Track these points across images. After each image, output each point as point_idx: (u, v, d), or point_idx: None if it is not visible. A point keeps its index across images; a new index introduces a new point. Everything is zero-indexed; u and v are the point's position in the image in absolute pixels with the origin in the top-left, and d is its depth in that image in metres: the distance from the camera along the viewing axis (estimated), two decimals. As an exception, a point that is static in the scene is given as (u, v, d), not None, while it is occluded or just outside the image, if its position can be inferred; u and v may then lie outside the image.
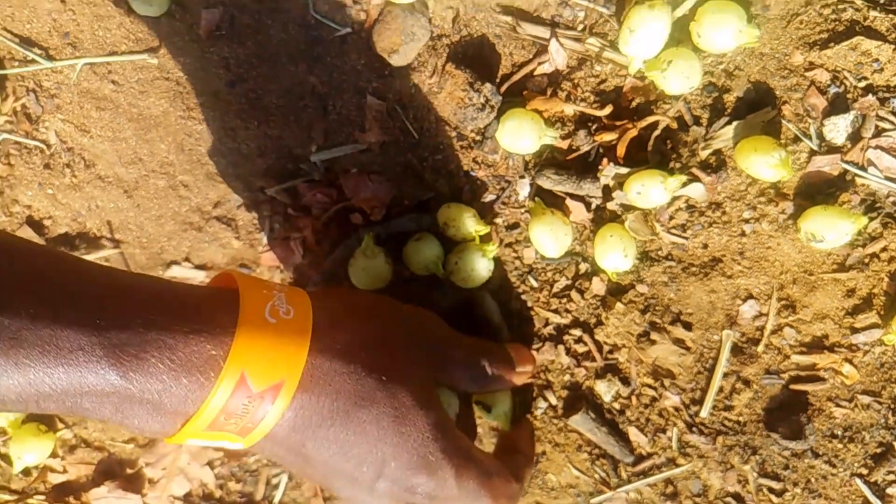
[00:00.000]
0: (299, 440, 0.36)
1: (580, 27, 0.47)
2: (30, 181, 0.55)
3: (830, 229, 0.45)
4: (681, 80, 0.45)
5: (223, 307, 0.35)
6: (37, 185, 0.55)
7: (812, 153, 0.47)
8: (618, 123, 0.47)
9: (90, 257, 0.55)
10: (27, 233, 0.56)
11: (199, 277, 0.55)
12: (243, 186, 0.53)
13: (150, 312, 0.33)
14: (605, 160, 0.48)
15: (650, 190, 0.46)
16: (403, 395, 0.38)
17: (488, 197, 0.52)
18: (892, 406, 0.49)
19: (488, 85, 0.48)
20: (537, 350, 0.53)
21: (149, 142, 0.54)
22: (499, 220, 0.52)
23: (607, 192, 0.49)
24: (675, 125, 0.47)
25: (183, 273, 0.55)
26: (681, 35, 0.46)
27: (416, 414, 0.38)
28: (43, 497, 0.57)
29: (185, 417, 0.34)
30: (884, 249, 0.47)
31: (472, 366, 0.45)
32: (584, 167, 0.49)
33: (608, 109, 0.47)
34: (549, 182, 0.49)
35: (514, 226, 0.52)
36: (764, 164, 0.45)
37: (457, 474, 0.39)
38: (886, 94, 0.46)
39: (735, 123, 0.47)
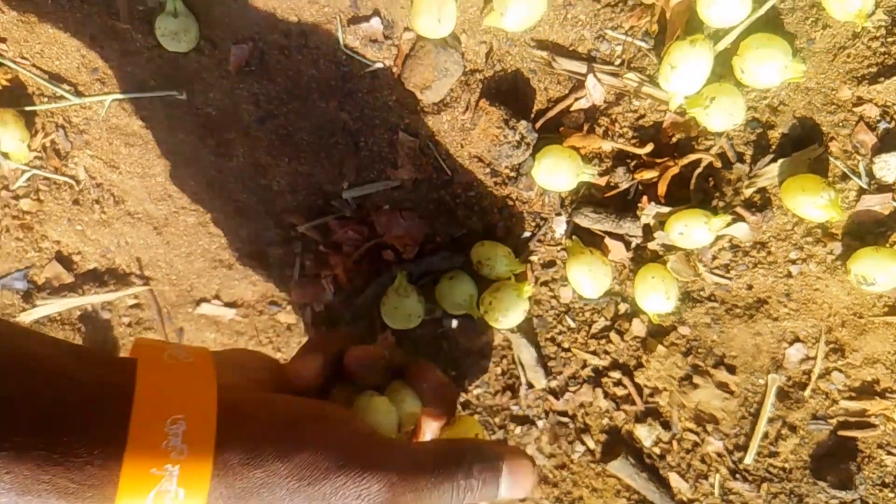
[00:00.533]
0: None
1: (618, 62, 0.47)
2: (59, 217, 0.55)
3: (882, 272, 0.44)
4: (724, 116, 0.44)
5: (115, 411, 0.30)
6: (66, 221, 0.55)
7: (861, 191, 0.46)
8: (658, 161, 0.47)
9: (119, 294, 0.55)
10: (56, 269, 0.56)
11: (230, 315, 0.55)
12: (274, 223, 0.53)
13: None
14: (644, 198, 0.47)
15: (693, 230, 0.45)
16: (328, 427, 0.34)
17: (523, 234, 0.51)
18: (949, 454, 0.47)
19: (524, 122, 0.47)
20: (574, 393, 0.52)
21: (178, 178, 0.54)
22: (534, 258, 0.51)
23: (648, 232, 0.48)
24: (717, 163, 0.46)
25: (213, 311, 0.55)
26: (723, 70, 0.45)
27: (346, 434, 0.34)
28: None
29: None
30: (939, 291, 0.46)
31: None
32: (624, 205, 0.48)
33: (649, 147, 0.46)
34: (587, 220, 0.48)
35: (551, 264, 0.51)
36: (812, 204, 0.44)
37: (399, 474, 0.33)
38: (940, 131, 0.44)
39: (780, 161, 0.45)
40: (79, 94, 0.53)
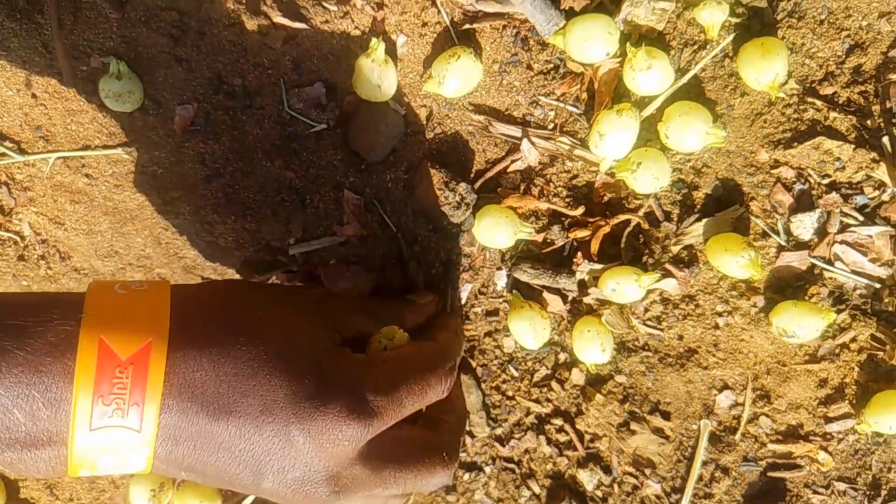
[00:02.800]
0: (194, 413, 0.35)
1: (551, 126, 0.52)
2: (4, 272, 0.58)
3: (801, 325, 0.49)
4: (650, 180, 0.49)
5: (72, 303, 0.36)
6: (11, 277, 0.58)
7: (780, 248, 0.51)
8: (590, 220, 0.51)
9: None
10: None
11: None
12: (221, 279, 0.57)
13: None
14: (579, 255, 0.52)
15: (625, 287, 0.50)
16: (287, 328, 0.39)
17: (466, 287, 0.55)
18: (868, 492, 0.53)
19: (463, 184, 0.52)
20: (518, 439, 0.56)
21: (125, 235, 0.57)
22: (478, 310, 0.56)
23: (583, 287, 0.53)
24: (645, 224, 0.51)
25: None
26: (650, 134, 0.50)
27: (304, 344, 0.39)
28: None
29: (67, 441, 0.34)
30: (853, 340, 0.51)
31: (366, 311, 0.47)
32: (560, 261, 0.53)
33: (580, 210, 0.51)
34: (526, 276, 0.53)
35: (494, 312, 0.55)
36: (734, 263, 0.49)
37: (371, 390, 0.39)
38: (849, 192, 0.50)
39: (705, 220, 0.51)
40: (22, 151, 0.56)
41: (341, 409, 0.37)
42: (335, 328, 0.43)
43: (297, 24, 0.52)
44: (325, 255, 0.56)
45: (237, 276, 0.56)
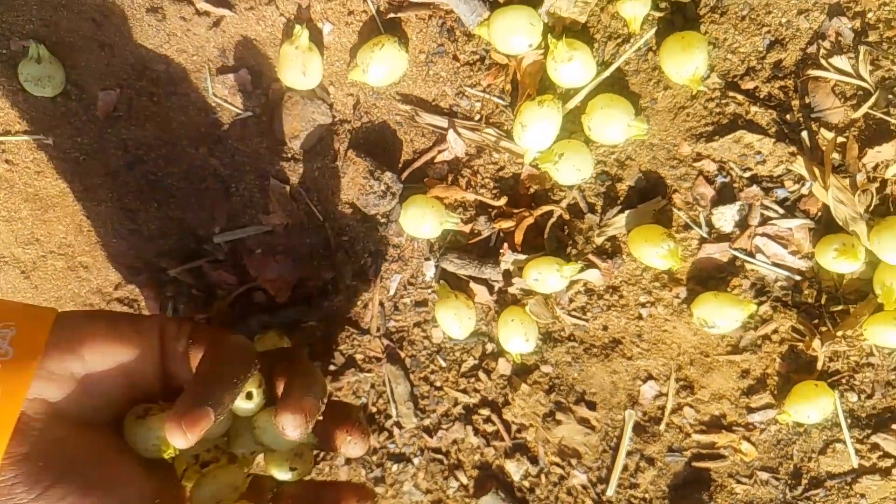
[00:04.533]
0: None
1: (477, 117, 0.53)
2: (-81, 261, 0.58)
3: (721, 316, 0.51)
4: (572, 172, 0.50)
5: None
6: (-73, 265, 0.58)
7: (702, 240, 0.53)
8: (515, 211, 0.53)
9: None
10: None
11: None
12: (145, 267, 0.57)
13: None
14: (505, 245, 0.53)
15: (547, 277, 0.52)
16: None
17: (395, 277, 0.57)
18: (789, 481, 0.55)
19: (389, 173, 0.53)
20: (447, 430, 0.58)
21: (46, 222, 0.57)
22: (407, 300, 0.57)
23: (508, 277, 0.54)
24: (566, 215, 0.53)
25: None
26: (574, 126, 0.52)
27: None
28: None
29: None
30: (774, 332, 0.54)
31: None
32: (486, 251, 0.55)
33: (503, 201, 0.52)
34: (453, 266, 0.55)
35: (423, 303, 0.57)
36: (654, 254, 0.51)
37: None
38: (770, 185, 0.52)
39: (628, 212, 0.53)
40: (-60, 135, 0.56)
41: None
42: None
43: (222, 11, 0.52)
44: (250, 244, 0.57)
45: (162, 265, 0.57)
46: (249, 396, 0.41)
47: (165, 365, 0.40)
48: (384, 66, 0.51)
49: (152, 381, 0.40)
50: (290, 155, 0.55)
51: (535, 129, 0.50)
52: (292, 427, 0.38)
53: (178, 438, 0.35)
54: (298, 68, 0.52)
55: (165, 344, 0.40)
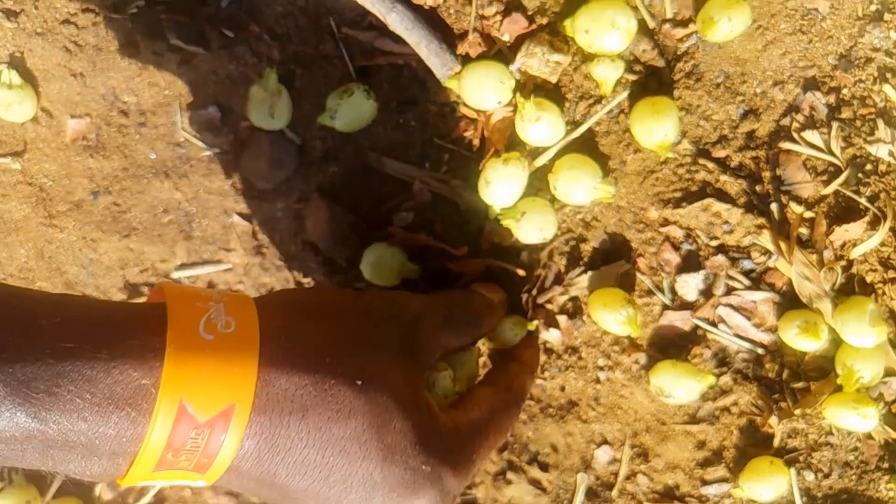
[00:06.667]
0: (269, 470, 0.34)
1: (444, 168, 0.53)
2: None
3: (678, 387, 0.51)
4: (534, 231, 0.51)
5: (151, 327, 0.33)
6: None
7: (665, 307, 0.53)
8: (476, 262, 0.53)
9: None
10: None
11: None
12: (103, 297, 0.58)
13: (61, 339, 0.31)
14: (464, 300, 0.54)
15: (502, 333, 0.52)
16: (384, 399, 0.36)
17: (354, 323, 0.57)
18: (743, 557, 0.55)
19: (351, 218, 0.54)
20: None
21: (8, 245, 0.58)
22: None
23: (466, 332, 0.54)
24: (523, 273, 0.53)
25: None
26: (541, 184, 0.52)
27: (401, 420, 0.37)
28: None
29: (130, 457, 0.33)
30: (734, 404, 0.54)
31: (452, 326, 0.45)
32: (446, 304, 0.55)
33: (463, 251, 0.53)
34: (411, 316, 0.55)
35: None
36: (613, 319, 0.51)
37: (455, 475, 0.39)
38: (736, 255, 0.52)
39: (591, 273, 0.53)
40: None
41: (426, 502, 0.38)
42: (425, 366, 0.42)
43: (193, 48, 0.53)
44: (210, 281, 0.57)
45: (121, 298, 0.57)
46: None
47: None
48: (352, 113, 0.52)
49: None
50: (254, 194, 0.55)
51: (499, 187, 0.50)
52: None
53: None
54: (266, 110, 0.52)
55: None
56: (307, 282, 0.56)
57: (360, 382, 0.36)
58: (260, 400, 0.34)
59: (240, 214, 0.56)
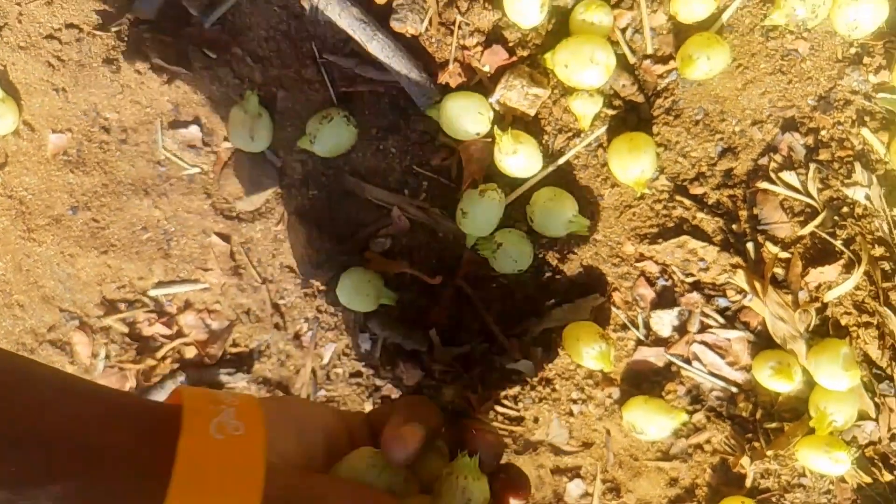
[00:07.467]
0: None
1: (423, 196, 0.54)
2: None
3: (651, 423, 0.51)
4: (509, 262, 0.51)
5: (164, 440, 0.33)
6: None
7: (639, 342, 0.53)
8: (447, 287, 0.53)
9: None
10: None
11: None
12: (80, 312, 0.58)
13: (73, 457, 0.31)
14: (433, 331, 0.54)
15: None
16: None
17: (329, 346, 0.57)
18: None
19: (328, 244, 0.54)
20: None
21: (-15, 257, 0.58)
22: (339, 371, 0.57)
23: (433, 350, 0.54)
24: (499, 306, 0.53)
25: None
26: (518, 214, 0.52)
27: None
28: None
29: None
30: (707, 442, 0.53)
31: None
32: (414, 324, 0.55)
33: (438, 280, 0.53)
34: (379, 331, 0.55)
35: (357, 374, 0.57)
36: (586, 353, 0.51)
37: None
38: (711, 293, 0.52)
39: (565, 306, 0.53)
40: None
41: None
42: None
43: (176, 68, 0.53)
44: (187, 299, 0.57)
45: (97, 313, 0.57)
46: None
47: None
48: (331, 138, 0.52)
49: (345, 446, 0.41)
50: (233, 214, 0.56)
51: (475, 218, 0.50)
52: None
53: (398, 450, 0.36)
54: (247, 132, 0.52)
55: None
56: (283, 303, 0.57)
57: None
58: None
59: (218, 234, 0.56)
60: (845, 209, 0.50)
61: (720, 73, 0.50)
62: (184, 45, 0.53)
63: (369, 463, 0.38)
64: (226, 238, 0.56)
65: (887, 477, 0.51)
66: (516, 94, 0.50)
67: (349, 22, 0.51)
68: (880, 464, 0.52)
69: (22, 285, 0.58)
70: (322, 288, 0.56)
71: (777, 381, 0.50)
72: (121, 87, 0.55)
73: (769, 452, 0.52)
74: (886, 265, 0.50)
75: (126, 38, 0.54)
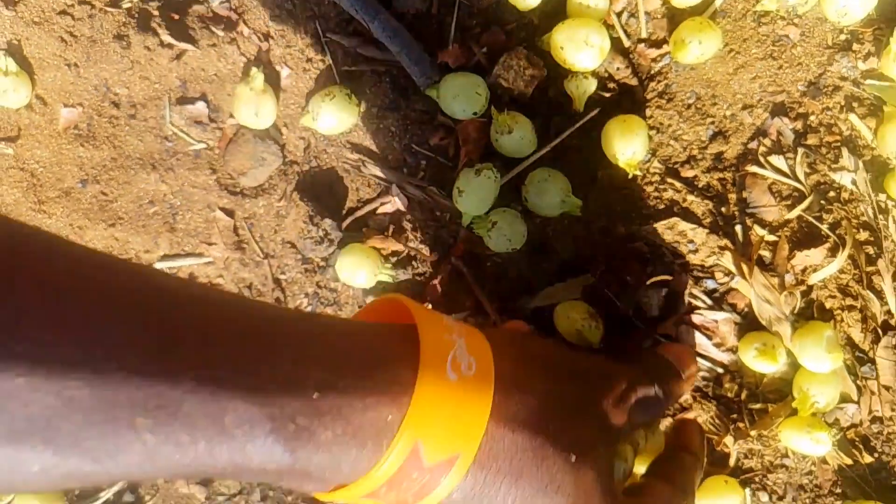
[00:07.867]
0: None
1: (421, 174, 0.55)
2: None
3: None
4: (503, 241, 0.52)
5: (402, 356, 0.34)
6: None
7: (628, 321, 0.54)
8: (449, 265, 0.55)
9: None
10: None
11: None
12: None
13: (325, 371, 0.31)
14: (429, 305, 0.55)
15: (468, 340, 0.53)
16: (588, 480, 0.37)
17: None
18: (695, 573, 0.56)
19: (328, 220, 0.55)
20: None
21: (-3, 227, 0.60)
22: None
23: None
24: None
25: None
26: (513, 194, 0.54)
27: (597, 499, 0.37)
28: None
29: (343, 481, 0.33)
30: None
31: (647, 402, 0.43)
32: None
33: (434, 257, 0.54)
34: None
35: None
36: (576, 331, 0.52)
37: None
38: (700, 275, 0.54)
39: (557, 285, 0.54)
40: None
41: None
42: (616, 443, 0.41)
43: (184, 45, 0.55)
44: (192, 272, 0.59)
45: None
46: None
47: None
48: (334, 116, 0.53)
49: None
50: (237, 190, 0.57)
51: (471, 196, 0.52)
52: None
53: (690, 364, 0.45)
54: (252, 109, 0.54)
55: None
56: (284, 278, 0.58)
57: (573, 458, 0.36)
58: (483, 454, 0.34)
59: (222, 209, 0.58)
60: (832, 193, 0.52)
61: (712, 57, 0.51)
62: (192, 22, 0.55)
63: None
64: (230, 213, 0.58)
65: (867, 459, 0.53)
66: (513, 74, 0.52)
67: (352, 2, 0.52)
68: (861, 446, 0.53)
69: (32, 255, 0.60)
70: (322, 264, 0.58)
71: (762, 363, 0.51)
72: (131, 62, 0.56)
73: (753, 433, 0.53)
74: (871, 249, 0.51)
75: (136, 15, 0.56)
